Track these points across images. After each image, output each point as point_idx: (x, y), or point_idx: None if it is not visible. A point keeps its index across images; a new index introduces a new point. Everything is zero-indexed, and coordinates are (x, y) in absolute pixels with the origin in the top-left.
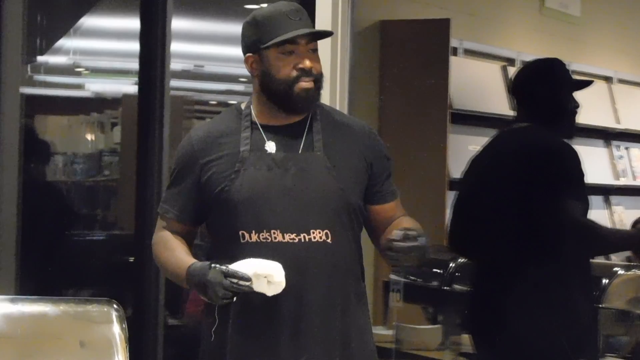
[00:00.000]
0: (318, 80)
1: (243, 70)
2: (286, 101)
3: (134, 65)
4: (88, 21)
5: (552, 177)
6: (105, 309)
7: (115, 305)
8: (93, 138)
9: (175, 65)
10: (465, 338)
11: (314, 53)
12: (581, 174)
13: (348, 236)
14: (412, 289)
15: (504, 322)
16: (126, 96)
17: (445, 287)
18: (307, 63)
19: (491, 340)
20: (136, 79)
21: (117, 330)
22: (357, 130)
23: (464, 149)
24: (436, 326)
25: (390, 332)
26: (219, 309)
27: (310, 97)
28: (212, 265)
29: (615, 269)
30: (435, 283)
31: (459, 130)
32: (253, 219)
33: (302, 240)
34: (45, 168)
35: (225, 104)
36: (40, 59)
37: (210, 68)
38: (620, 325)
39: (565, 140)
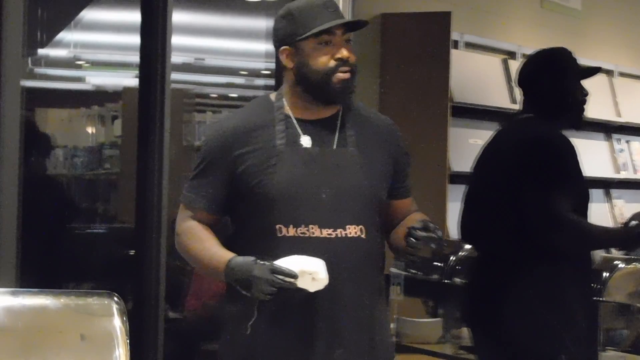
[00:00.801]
0: (354, 70)
1: (243, 63)
2: (324, 92)
3: (135, 58)
4: (89, 14)
5: (544, 170)
6: (106, 302)
7: (115, 298)
8: (93, 131)
9: (176, 58)
10: (466, 331)
11: (349, 43)
12: (577, 168)
13: (378, 231)
14: (413, 282)
15: (502, 315)
16: (127, 89)
17: (445, 281)
18: (345, 53)
19: (489, 333)
20: (137, 72)
21: (117, 324)
22: (383, 126)
23: (464, 142)
24: (437, 319)
25: (391, 326)
26: (259, 303)
27: (348, 87)
28: (258, 261)
29: (616, 262)
30: (435, 276)
31: (460, 124)
32: (291, 214)
33: (339, 235)
34: (46, 161)
35: (226, 97)
36: (41, 52)
37: (211, 61)
38: (621, 319)
39: (572, 131)
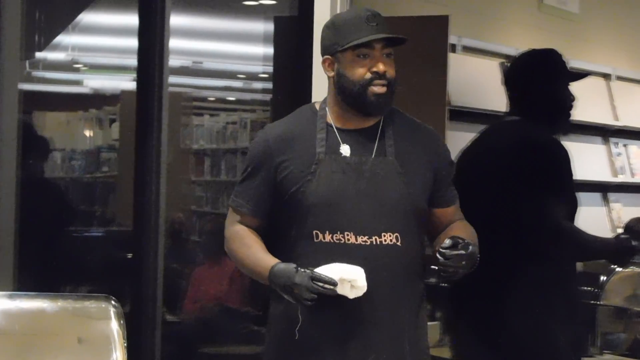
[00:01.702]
0: (391, 84)
1: (242, 67)
2: (359, 103)
3: (133, 61)
4: (86, 17)
5: (537, 176)
6: (103, 305)
7: (113, 302)
8: (91, 134)
9: (173, 61)
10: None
11: (388, 58)
12: (569, 174)
13: (415, 239)
14: None
15: (490, 319)
16: (124, 92)
17: (442, 284)
18: (381, 67)
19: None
20: (134, 75)
21: (115, 327)
22: (426, 136)
23: (462, 145)
24: (434, 323)
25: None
26: (302, 308)
27: (383, 101)
28: (299, 269)
29: (613, 266)
30: (432, 280)
31: (458, 127)
32: (328, 220)
33: (374, 242)
34: (44, 164)
35: (224, 101)
36: (39, 55)
37: (209, 64)
38: (618, 323)
39: (561, 136)
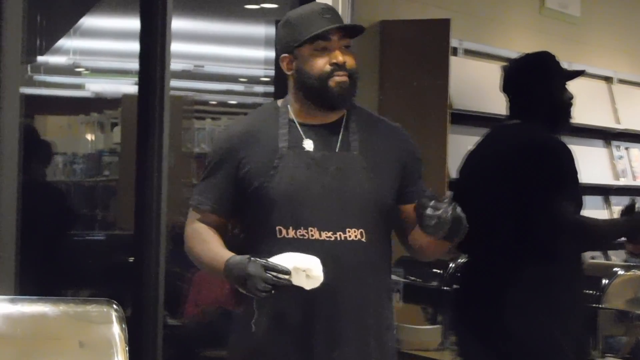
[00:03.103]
0: (353, 75)
1: (243, 71)
2: (322, 97)
3: (134, 65)
4: (88, 21)
5: (545, 175)
6: (105, 309)
7: (114, 306)
8: (93, 138)
9: (175, 65)
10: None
11: (347, 49)
12: (574, 172)
13: (381, 235)
14: (412, 289)
15: (494, 321)
16: (126, 96)
17: (444, 287)
18: (340, 58)
19: (479, 340)
20: (136, 79)
21: (116, 331)
22: (392, 131)
23: (464, 149)
24: (436, 326)
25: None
26: (257, 301)
27: (345, 91)
28: (252, 258)
29: (615, 269)
30: (434, 283)
31: (459, 131)
32: (291, 215)
33: (338, 238)
34: (45, 168)
35: (225, 104)
36: (40, 59)
37: (210, 68)
38: (620, 326)
39: (562, 135)
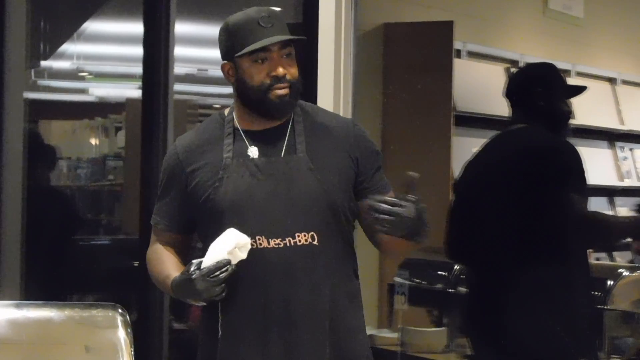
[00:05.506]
0: (294, 85)
1: None
2: (262, 108)
3: (138, 69)
4: (91, 26)
5: (557, 174)
6: (110, 314)
7: (120, 310)
8: (97, 143)
9: (178, 69)
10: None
11: (288, 58)
12: (582, 170)
13: (336, 236)
14: (417, 291)
15: (504, 325)
16: (130, 100)
17: (450, 290)
18: (280, 70)
19: (491, 343)
20: (140, 83)
21: (122, 335)
22: (340, 128)
23: (468, 151)
24: (441, 329)
25: (395, 335)
26: (221, 304)
27: (286, 103)
28: (191, 275)
29: (620, 270)
30: (440, 285)
31: (463, 133)
32: (238, 226)
33: (288, 244)
34: (50, 173)
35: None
36: (44, 63)
37: (214, 72)
38: (625, 327)
39: (569, 138)
